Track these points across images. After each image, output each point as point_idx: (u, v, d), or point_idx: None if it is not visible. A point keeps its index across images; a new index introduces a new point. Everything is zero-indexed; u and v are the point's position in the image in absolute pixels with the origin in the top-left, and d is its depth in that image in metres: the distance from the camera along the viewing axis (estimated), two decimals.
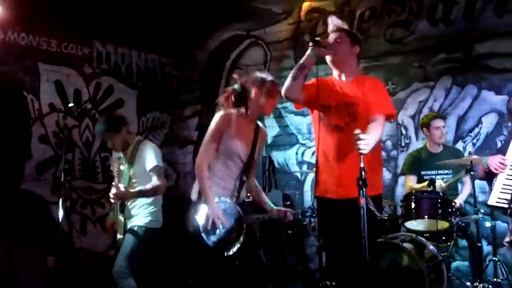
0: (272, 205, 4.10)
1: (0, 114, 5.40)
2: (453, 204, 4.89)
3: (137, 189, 4.55)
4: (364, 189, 3.11)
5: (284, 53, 7.03)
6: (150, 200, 4.69)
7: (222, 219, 3.76)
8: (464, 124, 6.01)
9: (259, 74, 3.98)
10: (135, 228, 4.61)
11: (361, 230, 3.06)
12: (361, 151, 3.18)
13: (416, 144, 6.13)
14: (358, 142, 3.19)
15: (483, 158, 4.32)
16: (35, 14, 5.91)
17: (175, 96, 7.75)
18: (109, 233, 4.91)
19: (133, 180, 4.63)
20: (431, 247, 4.70)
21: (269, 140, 7.00)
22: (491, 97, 5.86)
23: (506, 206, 4.00)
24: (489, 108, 5.88)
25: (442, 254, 4.72)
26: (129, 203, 4.69)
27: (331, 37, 3.76)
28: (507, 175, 4.04)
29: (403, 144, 6.32)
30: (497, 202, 4.05)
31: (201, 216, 3.77)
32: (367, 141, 3.21)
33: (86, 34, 6.63)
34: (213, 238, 3.77)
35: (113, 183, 4.56)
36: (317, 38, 3.64)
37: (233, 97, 3.94)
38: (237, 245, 3.82)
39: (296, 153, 6.92)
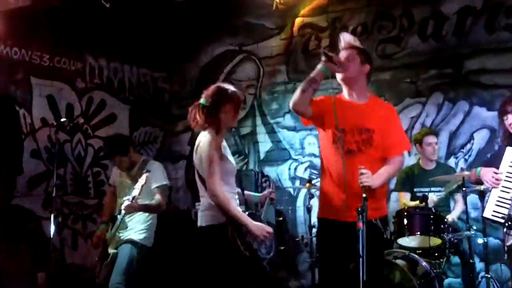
0: (257, 196, 4.26)
1: None
2: (445, 220, 4.90)
3: (144, 203, 4.60)
4: (363, 214, 3.09)
5: (276, 68, 7.04)
6: (148, 216, 4.75)
7: (269, 230, 3.78)
8: (456, 140, 6.04)
9: (225, 86, 3.87)
10: (130, 244, 4.61)
11: (360, 252, 3.03)
12: (363, 184, 3.29)
13: (408, 160, 6.11)
14: (360, 176, 3.31)
15: (476, 168, 4.26)
16: (27, 28, 5.91)
17: (167, 110, 7.76)
18: (97, 247, 4.86)
19: (137, 197, 4.59)
20: (424, 263, 4.71)
21: (262, 155, 7.01)
22: (482, 113, 5.90)
23: (502, 221, 3.99)
24: (480, 124, 5.92)
25: (435, 271, 4.73)
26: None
27: (342, 54, 3.71)
28: (502, 187, 4.02)
29: None
30: (492, 215, 4.03)
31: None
32: (368, 175, 3.33)
33: (78, 48, 6.64)
34: (264, 251, 3.82)
35: (126, 197, 4.54)
36: (331, 54, 3.58)
37: (202, 113, 3.77)
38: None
39: (289, 169, 6.91)
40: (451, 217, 5.18)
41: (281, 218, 4.39)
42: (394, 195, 5.84)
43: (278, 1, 5.63)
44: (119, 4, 4.87)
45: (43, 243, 5.93)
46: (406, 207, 5.09)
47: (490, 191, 4.15)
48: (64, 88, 6.47)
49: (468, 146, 5.95)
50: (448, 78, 6.10)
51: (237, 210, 3.71)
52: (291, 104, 3.66)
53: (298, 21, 6.95)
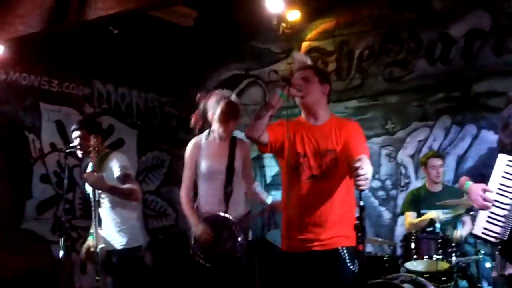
0: (269, 201, 4.30)
1: (2, 153, 5.44)
2: (453, 237, 4.84)
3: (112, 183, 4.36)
4: (362, 234, 2.91)
5: None
6: (120, 218, 4.51)
7: (206, 236, 4.04)
8: (464, 163, 6.00)
9: (218, 94, 4.16)
10: (114, 261, 4.43)
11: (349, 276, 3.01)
12: (361, 188, 2.94)
13: (415, 184, 6.11)
14: (358, 178, 2.92)
15: (465, 181, 3.72)
16: (36, 54, 5.99)
17: (174, 135, 7.80)
18: (88, 259, 4.62)
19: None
20: (431, 287, 4.66)
21: (268, 180, 7.00)
22: (490, 137, 5.83)
23: (493, 240, 3.53)
24: (488, 147, 5.84)
25: None
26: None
27: (298, 75, 3.45)
28: (495, 201, 3.49)
29: (402, 183, 6.30)
30: (483, 233, 3.54)
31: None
32: (367, 176, 2.96)
33: (86, 74, 6.71)
34: (206, 253, 4.06)
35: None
36: (288, 77, 3.34)
37: (200, 118, 4.17)
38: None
39: None
40: (459, 233, 5.11)
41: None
42: (401, 219, 5.81)
43: (284, 25, 5.68)
44: (127, 30, 4.93)
45: (52, 266, 5.98)
46: (413, 231, 5.06)
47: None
48: (73, 113, 6.52)
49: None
50: (456, 101, 6.08)
51: (187, 211, 4.18)
52: (246, 132, 3.38)
53: (304, 45, 6.98)
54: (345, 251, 3.29)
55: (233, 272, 4.11)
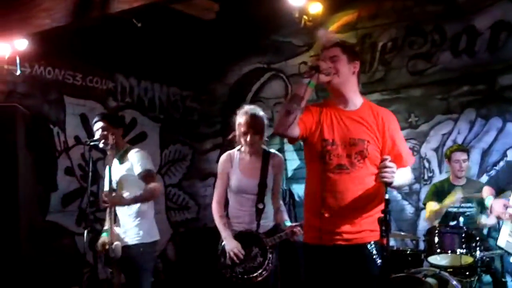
0: (287, 223, 4.23)
1: (27, 146, 5.50)
2: (477, 223, 4.85)
3: (131, 196, 4.41)
4: (387, 227, 2.84)
5: None
6: (135, 215, 4.50)
7: (237, 252, 4.05)
8: (489, 157, 5.92)
9: (244, 108, 4.19)
10: (129, 256, 4.42)
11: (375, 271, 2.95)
12: (385, 180, 2.88)
13: (439, 177, 6.05)
14: (385, 169, 2.88)
15: (487, 196, 3.94)
16: (60, 48, 6.05)
17: (196, 129, 7.85)
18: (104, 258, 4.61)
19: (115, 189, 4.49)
20: (454, 282, 4.61)
21: (290, 173, 6.99)
22: None
23: None
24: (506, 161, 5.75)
25: None
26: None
27: (324, 55, 3.21)
28: None
29: (426, 177, 6.25)
30: (507, 246, 3.74)
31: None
32: (393, 169, 2.90)
33: (109, 68, 6.79)
34: (239, 269, 4.07)
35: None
36: (317, 63, 3.09)
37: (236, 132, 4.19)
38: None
39: None
40: (483, 220, 5.07)
41: (301, 235, 4.40)
42: (424, 213, 5.76)
43: (306, 18, 5.63)
44: (149, 24, 4.95)
45: (76, 258, 6.06)
46: (437, 226, 5.02)
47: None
48: (96, 107, 6.61)
49: (501, 163, 5.79)
50: (480, 94, 6.00)
51: (220, 225, 4.16)
52: (274, 128, 3.16)
53: None
54: (373, 246, 3.12)
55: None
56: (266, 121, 4.20)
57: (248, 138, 4.11)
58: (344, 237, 3.14)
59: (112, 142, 4.45)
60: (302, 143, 3.32)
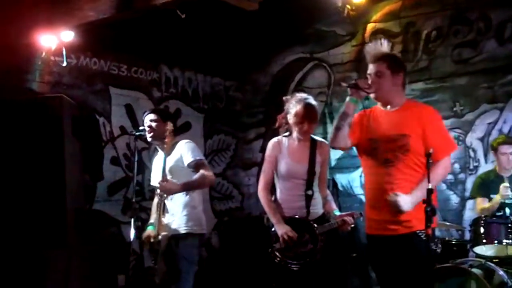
0: (336, 213, 4.28)
1: (75, 136, 5.64)
2: None
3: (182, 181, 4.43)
4: (431, 218, 3.08)
5: (347, 75, 7.00)
6: (184, 204, 4.55)
7: (291, 235, 4.03)
8: None
9: (297, 96, 4.19)
10: (175, 246, 4.47)
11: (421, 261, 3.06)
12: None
13: (484, 167, 5.96)
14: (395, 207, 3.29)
15: None
16: (105, 39, 6.13)
17: (239, 119, 7.90)
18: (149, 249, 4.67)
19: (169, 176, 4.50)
20: (501, 272, 4.56)
21: (333, 163, 6.98)
22: None
23: None
24: None
25: None
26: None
27: (370, 69, 3.56)
28: None
29: (471, 167, 6.17)
30: None
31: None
32: (401, 203, 3.30)
33: (154, 59, 6.86)
34: (289, 254, 4.07)
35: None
36: (355, 81, 3.53)
37: (284, 120, 4.24)
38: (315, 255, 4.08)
39: (360, 176, 6.82)
40: None
41: (353, 225, 4.38)
42: (469, 203, 5.71)
43: (349, 7, 5.60)
44: (193, 15, 5.00)
45: (122, 246, 6.18)
46: (483, 215, 4.96)
47: None
48: (141, 97, 6.70)
49: None
50: None
51: (269, 209, 4.17)
52: (330, 143, 3.72)
53: (370, 27, 6.90)
54: (423, 234, 3.30)
55: (310, 276, 4.13)
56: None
57: (305, 128, 4.14)
58: (396, 226, 3.42)
59: (163, 134, 4.50)
60: None
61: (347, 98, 3.54)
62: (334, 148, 3.73)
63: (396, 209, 3.32)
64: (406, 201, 3.34)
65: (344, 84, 3.52)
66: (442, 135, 3.55)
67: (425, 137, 3.45)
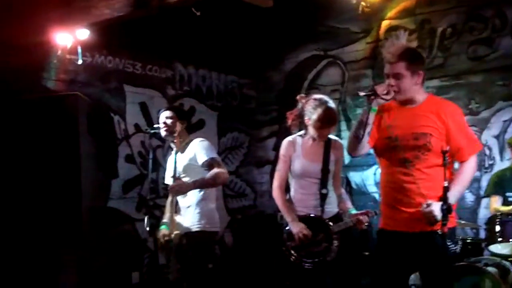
0: (352, 211, 4.29)
1: (90, 134, 5.69)
2: None
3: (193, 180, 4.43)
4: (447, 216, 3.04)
5: (361, 72, 7.00)
6: (198, 201, 4.55)
7: (306, 233, 4.04)
8: None
9: (317, 99, 4.17)
10: (187, 244, 4.48)
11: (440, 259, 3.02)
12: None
13: (500, 165, 5.92)
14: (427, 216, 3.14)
15: None
16: (120, 37, 6.15)
17: (253, 117, 7.91)
18: (162, 248, 4.67)
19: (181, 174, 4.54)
20: None
21: (346, 161, 6.95)
22: None
23: None
24: None
25: None
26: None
27: (387, 69, 3.34)
28: None
29: (486, 165, 6.12)
30: None
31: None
32: (433, 212, 3.12)
33: (168, 57, 6.88)
34: (303, 253, 4.07)
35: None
36: (373, 90, 3.32)
37: (297, 118, 4.24)
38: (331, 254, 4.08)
39: (374, 174, 6.82)
40: None
41: (366, 224, 4.38)
42: (484, 202, 5.67)
43: (364, 4, 5.59)
44: (207, 13, 5.01)
45: (137, 244, 6.21)
46: (498, 213, 4.93)
47: None
48: (156, 95, 6.73)
49: None
50: None
51: (283, 207, 4.18)
52: (348, 152, 3.55)
53: (384, 24, 6.86)
54: (441, 232, 3.17)
55: (323, 274, 4.14)
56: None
57: (326, 132, 4.16)
58: (411, 224, 3.31)
59: (177, 131, 4.53)
60: None
61: (365, 107, 3.36)
62: (354, 157, 3.61)
63: (431, 220, 3.15)
64: (439, 209, 3.14)
65: (361, 94, 3.36)
66: (466, 134, 3.40)
67: (449, 137, 3.30)
